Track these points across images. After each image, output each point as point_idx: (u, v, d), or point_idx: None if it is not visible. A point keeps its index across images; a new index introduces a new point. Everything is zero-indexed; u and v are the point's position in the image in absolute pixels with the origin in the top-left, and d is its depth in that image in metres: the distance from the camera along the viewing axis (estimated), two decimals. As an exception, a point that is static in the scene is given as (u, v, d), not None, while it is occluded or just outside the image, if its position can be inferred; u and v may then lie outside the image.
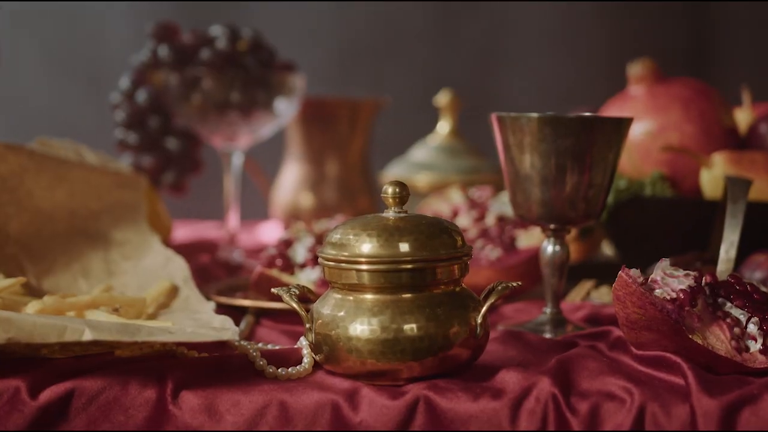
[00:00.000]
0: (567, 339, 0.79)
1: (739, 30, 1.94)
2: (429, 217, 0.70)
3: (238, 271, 1.16)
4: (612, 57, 1.54)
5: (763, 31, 1.94)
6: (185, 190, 1.31)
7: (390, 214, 0.70)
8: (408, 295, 0.67)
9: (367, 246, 0.67)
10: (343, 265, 0.67)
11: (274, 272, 0.93)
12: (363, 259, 0.67)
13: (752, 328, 0.70)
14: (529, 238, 1.01)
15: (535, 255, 0.97)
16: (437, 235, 0.68)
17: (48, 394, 0.64)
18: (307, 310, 0.70)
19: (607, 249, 1.22)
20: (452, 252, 0.68)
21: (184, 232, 1.51)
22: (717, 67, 1.94)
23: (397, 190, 0.70)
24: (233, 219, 1.25)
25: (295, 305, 0.69)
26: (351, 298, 0.67)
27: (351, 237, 0.68)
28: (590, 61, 1.93)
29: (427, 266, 0.67)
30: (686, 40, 1.96)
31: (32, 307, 0.74)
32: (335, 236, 0.69)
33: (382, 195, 0.70)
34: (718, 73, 1.91)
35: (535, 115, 0.79)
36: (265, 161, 1.60)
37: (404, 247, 0.66)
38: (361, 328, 0.66)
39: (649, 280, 0.71)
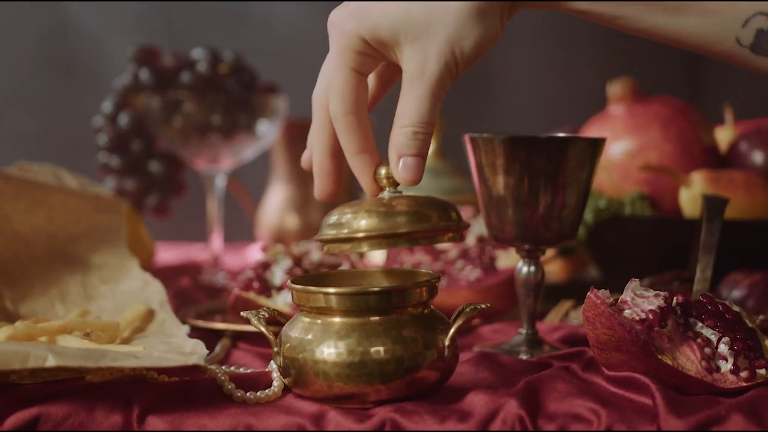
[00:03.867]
0: (541, 360, 0.79)
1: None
2: None
3: (221, 293, 1.16)
4: (603, 76, 1.55)
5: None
6: (168, 212, 1.31)
7: (385, 194, 0.70)
8: (375, 318, 0.66)
9: (334, 269, 0.67)
10: (311, 288, 0.67)
11: (251, 295, 0.93)
12: (330, 282, 0.67)
13: (723, 348, 0.70)
14: (509, 259, 1.01)
15: (513, 275, 0.97)
16: (404, 258, 0.68)
17: (14, 420, 0.64)
18: (277, 334, 0.70)
19: (593, 269, 1.21)
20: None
21: (170, 254, 1.51)
22: (706, 83, 1.94)
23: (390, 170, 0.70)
24: (216, 241, 1.25)
25: (263, 329, 0.69)
26: (319, 321, 0.67)
27: (318, 260, 0.68)
28: (578, 81, 1.93)
29: (394, 289, 0.66)
30: (676, 57, 1.97)
31: (3, 332, 0.74)
32: (303, 259, 0.69)
33: (375, 177, 0.70)
34: (707, 90, 1.91)
35: (507, 135, 0.79)
36: (251, 183, 1.60)
37: (371, 269, 0.66)
38: (328, 352, 0.65)
39: (619, 300, 0.70)
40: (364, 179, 0.70)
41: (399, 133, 0.68)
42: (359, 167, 0.70)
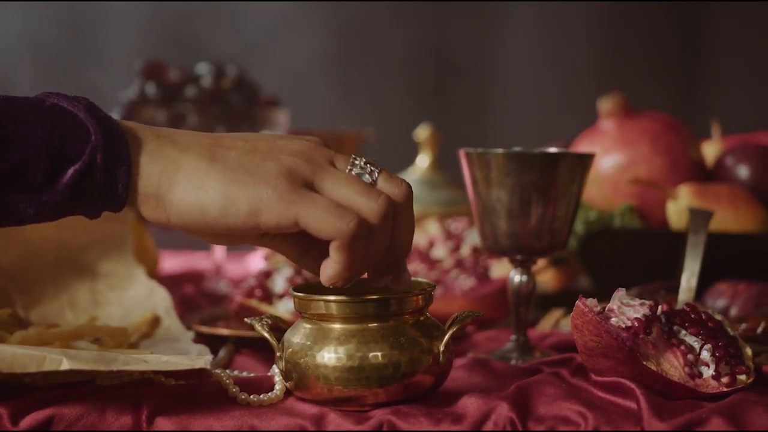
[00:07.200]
0: (532, 366, 0.82)
1: (728, 60, 1.99)
2: None
3: (223, 301, 1.19)
4: (597, 91, 1.59)
5: (751, 66, 1.99)
6: (173, 222, 1.34)
7: None
8: (374, 325, 0.70)
9: (334, 277, 0.70)
10: (312, 296, 0.71)
11: (254, 302, 0.96)
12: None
13: (705, 355, 0.73)
14: (502, 268, 1.04)
15: (506, 284, 1.00)
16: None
17: (29, 421, 0.67)
18: (279, 339, 0.73)
19: (585, 279, 1.25)
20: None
21: (173, 262, 1.54)
22: (698, 98, 1.98)
23: None
24: (219, 250, 1.29)
25: (266, 334, 0.72)
26: (320, 327, 0.70)
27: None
28: (571, 96, 1.97)
29: (392, 297, 0.70)
30: (669, 74, 2.00)
31: (16, 337, 0.77)
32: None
33: None
34: (699, 104, 1.94)
35: (500, 150, 0.82)
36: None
37: (370, 278, 0.70)
38: (328, 356, 0.69)
39: (606, 309, 0.74)
40: None
41: None
42: None
